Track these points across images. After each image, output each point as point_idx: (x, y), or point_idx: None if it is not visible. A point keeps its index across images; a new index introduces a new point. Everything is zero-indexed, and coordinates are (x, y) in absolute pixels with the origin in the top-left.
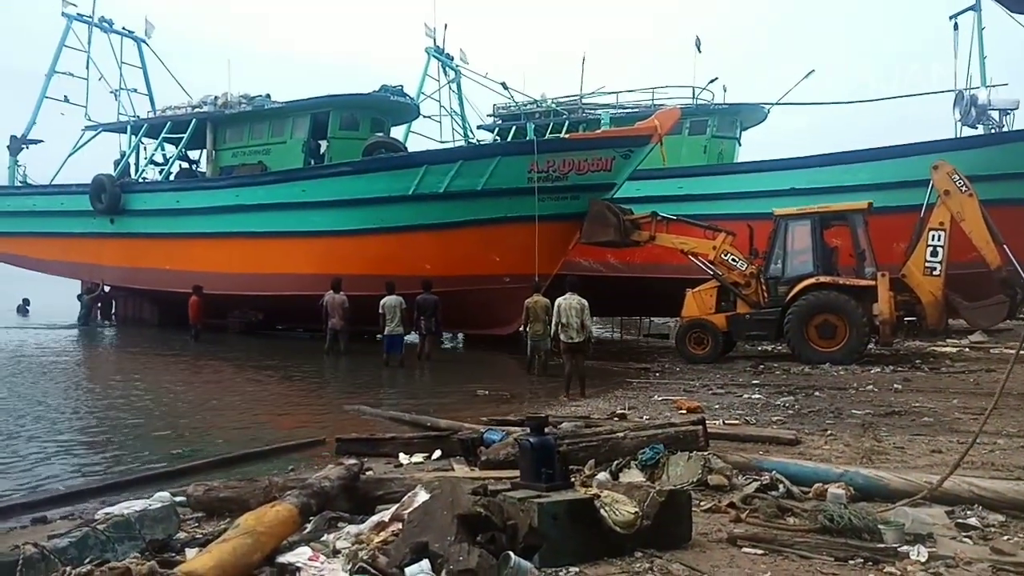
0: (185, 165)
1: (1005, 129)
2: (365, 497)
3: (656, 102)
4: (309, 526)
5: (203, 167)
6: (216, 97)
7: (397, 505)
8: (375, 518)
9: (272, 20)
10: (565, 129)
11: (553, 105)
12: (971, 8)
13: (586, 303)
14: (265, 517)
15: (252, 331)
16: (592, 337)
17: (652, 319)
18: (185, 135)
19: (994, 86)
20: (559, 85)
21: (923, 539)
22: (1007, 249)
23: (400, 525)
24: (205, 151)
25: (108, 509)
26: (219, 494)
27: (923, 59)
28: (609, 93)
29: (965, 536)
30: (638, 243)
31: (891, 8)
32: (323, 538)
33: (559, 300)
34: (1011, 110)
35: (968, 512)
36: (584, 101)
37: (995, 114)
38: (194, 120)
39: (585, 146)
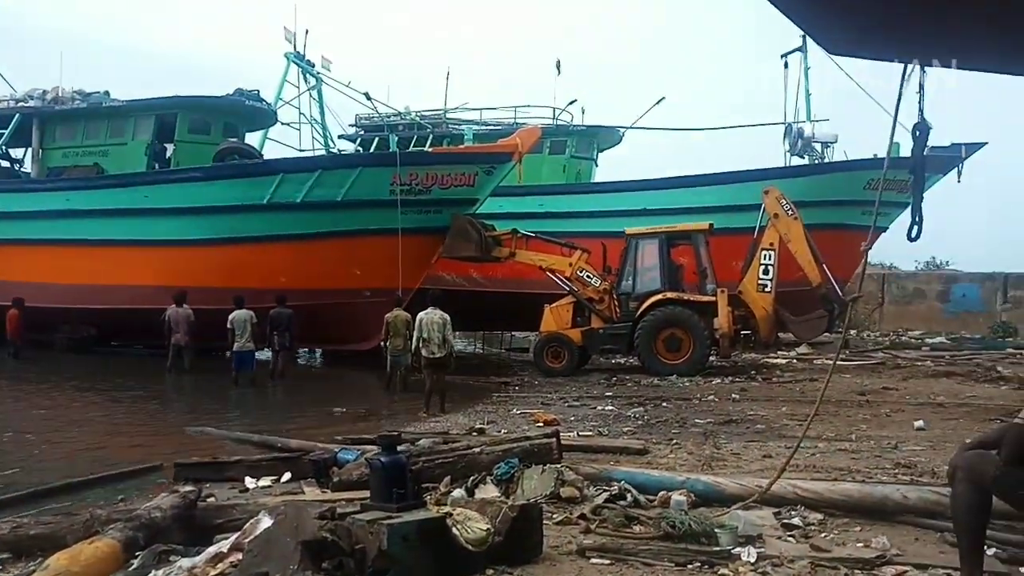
0: (6, 164)
1: (826, 160)
2: (203, 526)
3: (518, 120)
4: (135, 562)
5: (27, 167)
6: (45, 91)
7: (238, 534)
8: (212, 549)
9: (120, 11)
10: (429, 143)
11: (417, 118)
12: (798, 49)
13: (448, 318)
14: (81, 555)
15: (83, 348)
16: (455, 352)
17: (514, 334)
18: (6, 131)
19: (817, 121)
20: (423, 99)
21: (753, 540)
22: (826, 268)
23: (239, 555)
24: (30, 150)
25: None
26: (28, 531)
27: (762, 92)
28: (473, 109)
29: (789, 535)
30: (498, 259)
31: (733, 45)
32: (151, 574)
33: (421, 315)
34: (831, 143)
35: (792, 512)
36: (448, 116)
37: (818, 146)
38: (18, 115)
39: (449, 160)
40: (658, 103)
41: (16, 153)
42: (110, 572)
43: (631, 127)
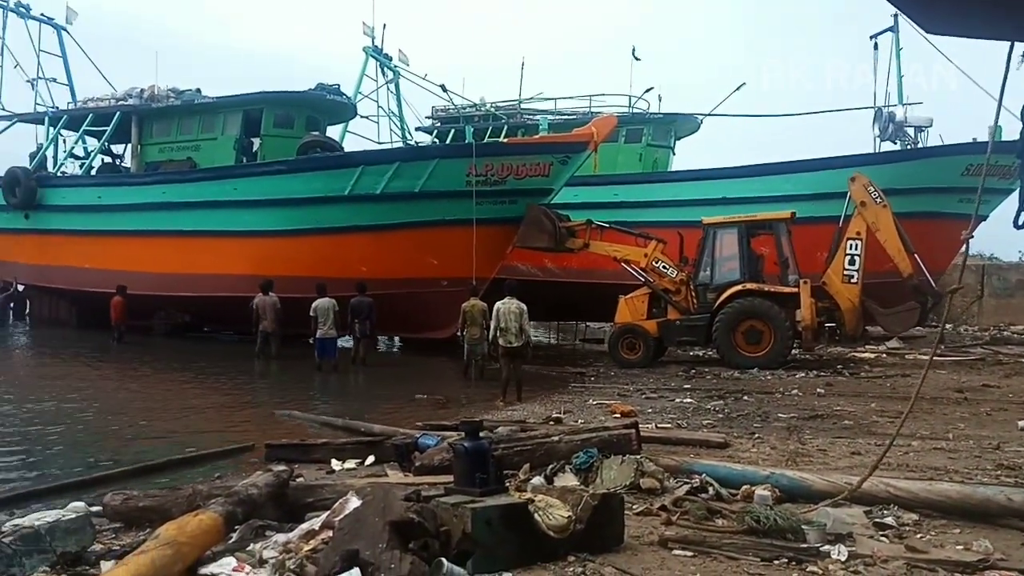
0: (108, 160)
1: (920, 145)
2: (294, 505)
3: (593, 109)
4: (234, 535)
5: (127, 163)
6: (143, 90)
7: (328, 512)
8: (304, 526)
9: (206, 10)
10: (504, 133)
11: (492, 109)
12: (889, 29)
13: (525, 307)
14: (187, 527)
15: (179, 333)
16: (531, 341)
17: (588, 324)
18: (108, 128)
19: (910, 104)
20: (498, 89)
21: (843, 538)
22: (918, 258)
23: (330, 533)
24: (130, 146)
25: (16, 521)
26: (138, 503)
27: (849, 76)
28: (547, 99)
29: (882, 535)
30: (572, 250)
31: (817, 26)
32: (249, 548)
33: (498, 304)
34: (925, 127)
35: (885, 512)
36: (523, 106)
37: (911, 131)
38: (118, 113)
39: (524, 151)
40: (738, 89)
41: (117, 150)
42: (213, 543)
43: (710, 114)
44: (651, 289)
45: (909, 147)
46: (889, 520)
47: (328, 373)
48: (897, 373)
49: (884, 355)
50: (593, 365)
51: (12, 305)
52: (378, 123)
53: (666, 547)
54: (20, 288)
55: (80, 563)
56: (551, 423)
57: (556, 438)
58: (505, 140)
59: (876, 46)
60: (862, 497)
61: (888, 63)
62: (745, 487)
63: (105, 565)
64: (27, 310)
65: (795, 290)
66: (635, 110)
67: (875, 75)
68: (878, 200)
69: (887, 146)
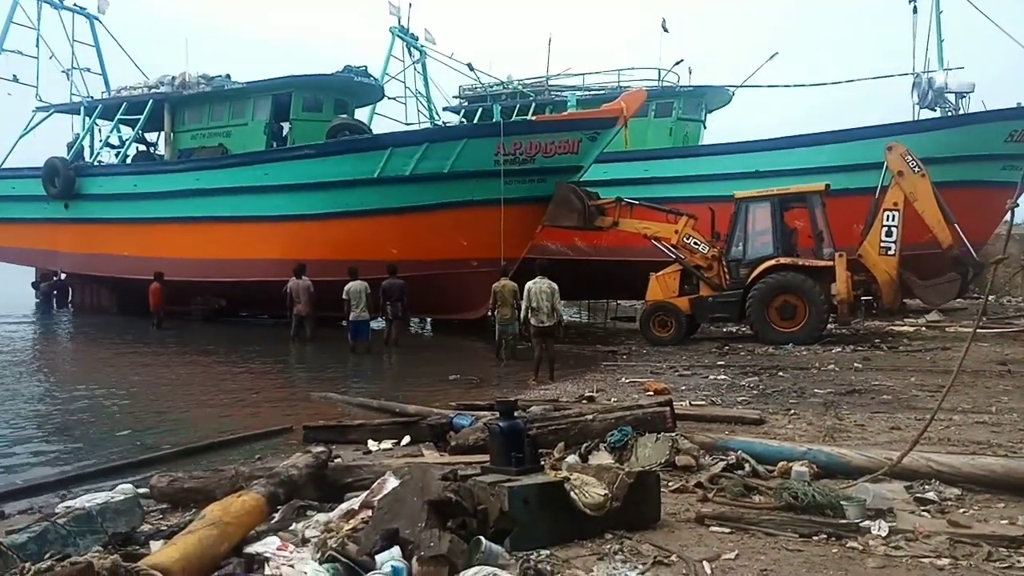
0: (142, 148)
1: (961, 112)
2: (334, 485)
3: (622, 84)
4: (277, 515)
5: (161, 150)
6: (174, 77)
7: (367, 492)
8: (344, 506)
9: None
10: (532, 111)
11: (519, 87)
12: None
13: (556, 287)
14: (232, 507)
15: (215, 318)
16: (562, 320)
17: (619, 302)
18: (142, 116)
19: (951, 69)
20: (525, 67)
21: (884, 514)
22: (958, 228)
23: (370, 512)
24: (163, 133)
25: (68, 502)
26: (183, 484)
27: (884, 41)
28: (575, 75)
29: (923, 510)
30: (601, 228)
31: None
32: (291, 527)
33: (529, 284)
34: (967, 93)
35: (926, 487)
36: (550, 83)
37: (952, 97)
38: (151, 101)
39: (552, 128)
40: (770, 59)
41: (151, 137)
42: (256, 523)
43: (741, 86)
44: (682, 266)
45: (950, 114)
46: (931, 495)
47: (362, 355)
48: (937, 346)
49: (923, 328)
50: (625, 343)
51: (55, 293)
52: (406, 104)
53: (703, 524)
54: (63, 277)
55: (130, 543)
56: (584, 402)
57: (590, 416)
58: (533, 118)
59: (915, 10)
60: (902, 472)
61: (928, 27)
62: (782, 463)
63: (154, 545)
64: (69, 298)
65: (830, 264)
66: (664, 83)
67: (914, 40)
68: (916, 170)
69: (926, 114)
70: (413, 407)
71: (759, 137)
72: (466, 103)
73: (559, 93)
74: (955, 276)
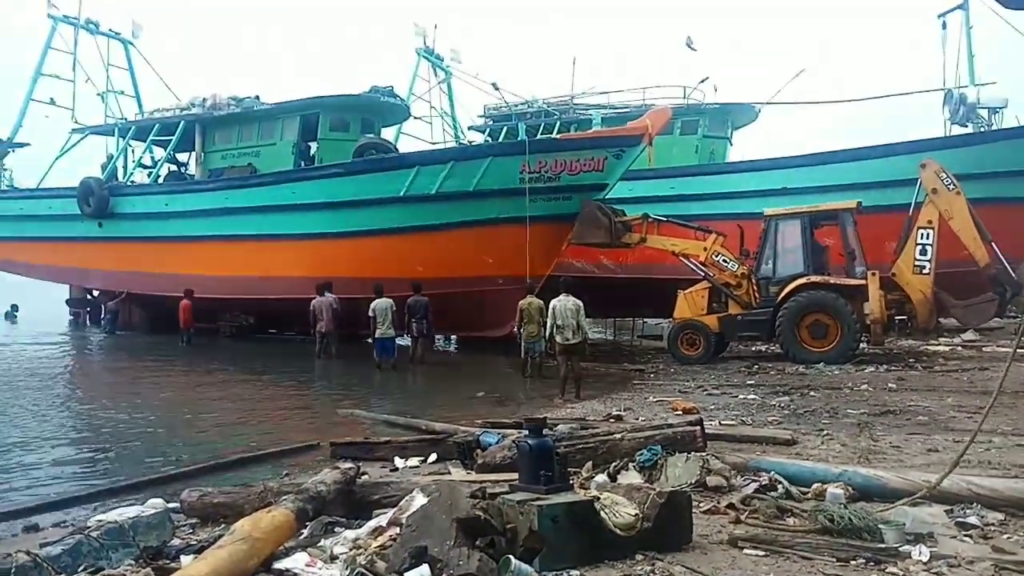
0: (174, 168)
1: (994, 127)
2: (362, 501)
3: (647, 102)
4: (305, 531)
5: (192, 170)
6: (205, 99)
7: (395, 509)
8: (372, 523)
9: (259, 20)
10: (556, 129)
11: (544, 105)
12: (959, 7)
13: (581, 304)
14: (261, 523)
15: (244, 335)
16: (588, 338)
17: (645, 320)
18: (173, 137)
19: (982, 84)
20: (550, 85)
21: (924, 539)
22: (995, 247)
23: (398, 530)
24: (194, 153)
25: (101, 516)
26: (213, 500)
27: (912, 57)
28: (600, 93)
29: (965, 535)
30: (628, 245)
31: (879, 6)
32: (320, 543)
33: (554, 301)
34: (1000, 108)
35: (967, 511)
36: (575, 101)
37: (984, 112)
38: (182, 122)
39: (577, 146)
40: (797, 76)
41: (182, 157)
42: (285, 539)
43: (768, 103)
44: (711, 283)
45: (983, 130)
46: (972, 519)
47: (387, 372)
48: (974, 366)
49: (959, 348)
50: (652, 362)
51: (89, 310)
52: (431, 123)
53: (736, 546)
54: (96, 294)
55: (161, 556)
56: (611, 420)
57: (619, 435)
58: (558, 136)
59: (945, 25)
60: (942, 496)
61: (958, 43)
62: (816, 485)
63: (184, 559)
64: (102, 316)
65: (862, 282)
66: (690, 101)
67: (943, 55)
68: (951, 187)
69: (958, 130)
70: (439, 424)
71: (786, 154)
72: (491, 122)
73: (584, 111)
74: (993, 296)
